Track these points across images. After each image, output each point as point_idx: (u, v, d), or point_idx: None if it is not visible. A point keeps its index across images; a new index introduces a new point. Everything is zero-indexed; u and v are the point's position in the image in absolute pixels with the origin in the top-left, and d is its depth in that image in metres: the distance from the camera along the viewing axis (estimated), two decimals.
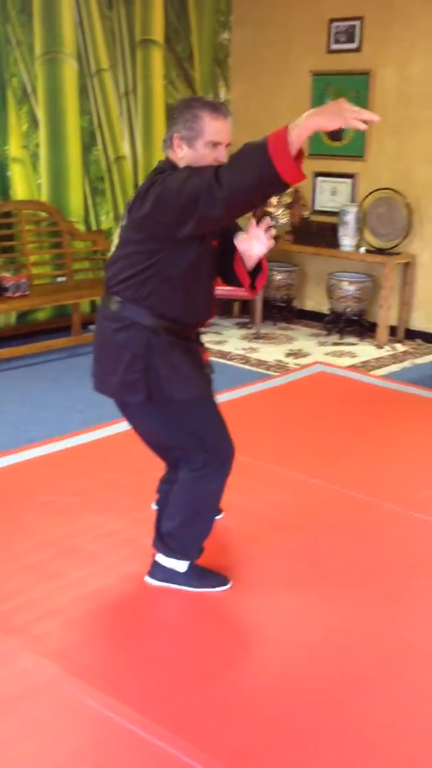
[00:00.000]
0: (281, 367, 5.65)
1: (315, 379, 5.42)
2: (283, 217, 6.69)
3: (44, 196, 6.07)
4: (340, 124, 2.20)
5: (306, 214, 6.80)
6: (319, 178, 6.77)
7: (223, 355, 5.92)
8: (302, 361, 5.82)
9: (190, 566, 2.85)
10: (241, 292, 6.14)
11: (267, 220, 2.65)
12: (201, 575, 2.87)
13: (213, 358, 5.53)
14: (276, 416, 4.71)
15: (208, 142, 2.49)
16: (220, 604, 2.80)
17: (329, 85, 6.52)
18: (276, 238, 2.78)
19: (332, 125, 2.21)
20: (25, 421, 4.51)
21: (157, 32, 6.52)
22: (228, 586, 2.87)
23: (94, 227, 6.44)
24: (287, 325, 6.89)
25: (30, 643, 2.55)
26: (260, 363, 5.75)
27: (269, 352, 6.04)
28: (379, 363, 5.85)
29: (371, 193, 6.39)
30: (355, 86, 6.36)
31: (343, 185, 6.66)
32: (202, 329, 2.85)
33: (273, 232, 2.64)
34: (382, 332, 6.29)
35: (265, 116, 6.70)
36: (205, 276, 2.67)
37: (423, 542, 3.27)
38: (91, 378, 2.75)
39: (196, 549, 2.85)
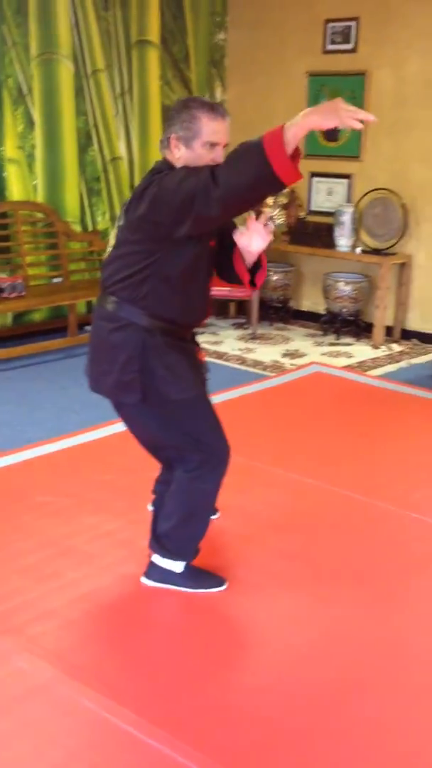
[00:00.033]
0: (278, 368, 5.65)
1: (311, 380, 5.42)
2: (279, 217, 6.69)
3: (40, 197, 6.07)
4: (336, 123, 2.20)
5: (302, 214, 6.80)
6: (315, 179, 6.77)
7: (220, 355, 5.92)
8: (299, 361, 5.82)
9: (187, 567, 2.85)
10: (238, 293, 6.17)
11: (266, 214, 2.63)
12: (197, 576, 2.87)
13: (209, 359, 5.55)
14: (272, 417, 4.71)
15: (205, 143, 2.48)
16: (216, 605, 2.80)
17: (325, 86, 6.52)
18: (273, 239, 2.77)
19: (328, 124, 2.21)
20: (22, 421, 4.50)
21: (153, 33, 6.52)
22: (224, 587, 2.87)
23: (90, 228, 6.43)
24: (284, 325, 6.89)
25: (26, 644, 2.55)
26: (257, 363, 5.75)
27: (266, 353, 6.04)
28: (376, 363, 5.85)
29: (367, 193, 6.40)
30: (350, 87, 6.37)
31: (339, 185, 6.67)
32: (198, 329, 2.85)
33: (272, 226, 2.63)
34: (378, 332, 6.29)
35: (261, 117, 6.69)
36: (202, 276, 2.67)
37: (418, 542, 3.28)
38: (86, 377, 2.75)
39: (192, 550, 2.84)
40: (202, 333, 6.40)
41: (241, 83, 7.06)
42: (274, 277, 6.79)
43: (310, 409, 4.84)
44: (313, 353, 6.05)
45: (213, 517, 3.08)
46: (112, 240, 2.70)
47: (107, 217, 6.52)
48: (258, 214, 2.56)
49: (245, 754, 2.13)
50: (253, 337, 6.44)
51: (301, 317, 7.06)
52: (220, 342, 6.31)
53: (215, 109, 2.50)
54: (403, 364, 5.86)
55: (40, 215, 6.03)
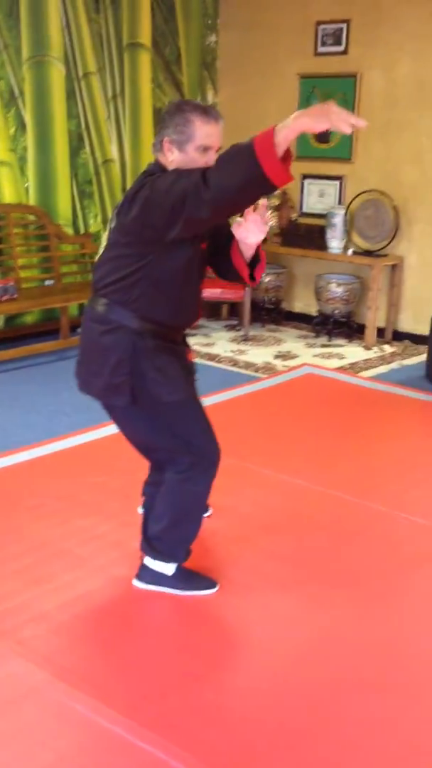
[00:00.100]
0: (270, 369, 5.65)
1: (303, 381, 5.43)
2: (271, 219, 6.70)
3: (32, 200, 6.06)
4: (327, 126, 2.20)
5: (294, 216, 6.81)
6: (307, 180, 6.79)
7: (212, 357, 5.92)
8: (291, 362, 5.83)
9: (178, 569, 2.85)
10: (230, 294, 6.17)
11: (264, 204, 2.62)
12: (188, 578, 2.87)
13: (201, 361, 5.56)
14: (264, 418, 4.72)
15: (198, 147, 2.48)
16: (207, 607, 2.80)
17: (316, 88, 6.53)
18: (264, 240, 2.76)
19: (319, 127, 2.21)
20: (13, 424, 4.50)
21: (145, 35, 6.52)
22: (215, 589, 2.87)
23: (82, 230, 6.43)
24: (276, 327, 6.90)
25: (17, 647, 2.54)
26: (249, 365, 5.75)
27: (258, 354, 6.04)
28: (367, 364, 5.86)
29: (359, 195, 6.41)
30: (342, 88, 6.38)
31: (331, 187, 6.68)
32: (190, 331, 2.85)
33: (268, 217, 2.62)
34: (370, 334, 6.30)
35: (252, 119, 6.70)
36: (194, 279, 2.67)
37: (410, 543, 3.28)
38: (75, 377, 2.75)
39: (183, 551, 2.84)
40: (194, 335, 6.40)
41: (233, 85, 7.07)
42: (266, 279, 6.79)
43: (302, 411, 4.85)
44: (305, 355, 6.06)
45: (205, 514, 3.08)
46: (104, 242, 2.70)
47: (99, 220, 6.52)
48: (255, 207, 2.55)
49: (237, 756, 2.13)
50: (245, 339, 6.45)
51: (293, 319, 7.06)
52: (212, 344, 6.32)
53: (208, 112, 2.50)
54: (394, 365, 5.87)
55: (32, 218, 6.03)
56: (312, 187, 6.79)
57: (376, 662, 2.53)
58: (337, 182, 6.63)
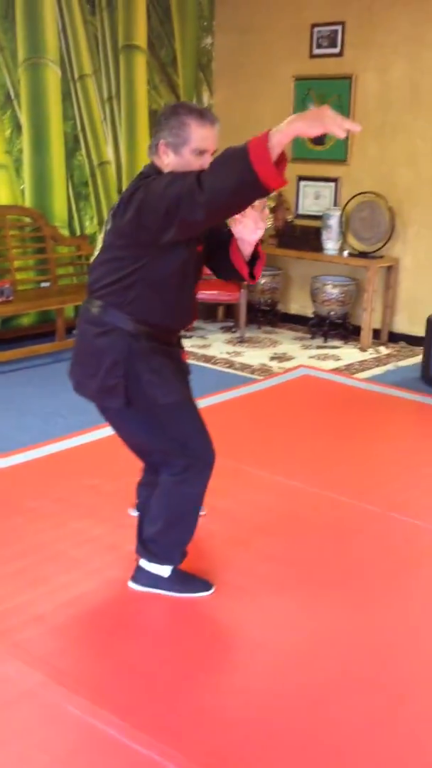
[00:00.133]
0: (265, 371, 5.66)
1: (299, 383, 5.43)
2: (267, 219, 6.70)
3: (28, 202, 6.06)
4: (321, 131, 2.21)
5: (289, 218, 6.82)
6: (303, 182, 6.80)
7: (208, 359, 5.92)
8: (286, 364, 5.84)
9: (173, 571, 2.85)
10: (225, 296, 6.18)
11: (262, 201, 2.62)
12: (184, 580, 2.87)
13: (197, 363, 5.56)
14: (260, 420, 4.72)
15: (194, 150, 2.48)
16: (203, 609, 2.81)
17: (312, 90, 6.54)
18: (261, 241, 2.77)
19: (313, 132, 2.21)
20: (9, 426, 4.50)
21: (140, 38, 6.53)
22: (211, 591, 2.87)
23: (78, 232, 6.43)
24: (271, 328, 6.91)
25: (12, 649, 2.54)
26: (244, 367, 5.76)
27: (253, 356, 6.05)
28: (363, 366, 5.87)
29: (354, 196, 6.42)
30: (337, 91, 6.40)
31: (326, 189, 6.69)
32: (185, 333, 2.85)
33: (267, 212, 2.62)
34: (366, 335, 6.31)
35: (248, 121, 6.72)
36: (189, 282, 2.67)
37: (405, 544, 3.29)
38: (69, 378, 2.75)
39: (178, 553, 2.85)
40: (190, 336, 6.41)
41: (228, 87, 7.08)
42: (262, 281, 6.80)
43: (298, 413, 4.86)
44: (301, 356, 6.06)
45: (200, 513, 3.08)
46: (99, 244, 2.70)
47: (95, 222, 6.52)
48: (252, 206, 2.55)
49: (232, 758, 2.14)
50: (241, 341, 6.45)
51: (289, 320, 7.07)
52: (208, 345, 6.32)
53: (204, 115, 2.50)
54: (390, 366, 5.88)
55: (27, 220, 6.03)
56: (307, 189, 6.80)
57: (372, 663, 2.54)
58: (333, 184, 6.64)
